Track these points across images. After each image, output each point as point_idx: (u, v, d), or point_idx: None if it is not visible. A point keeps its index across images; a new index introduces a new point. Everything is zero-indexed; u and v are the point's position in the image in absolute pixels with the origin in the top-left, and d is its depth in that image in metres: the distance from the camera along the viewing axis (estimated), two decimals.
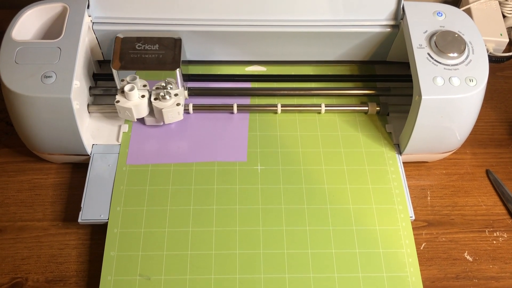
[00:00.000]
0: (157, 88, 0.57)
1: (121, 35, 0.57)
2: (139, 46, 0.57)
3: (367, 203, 0.55)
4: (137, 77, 0.57)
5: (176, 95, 0.57)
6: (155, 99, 0.57)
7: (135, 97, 0.56)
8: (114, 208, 0.54)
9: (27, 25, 0.57)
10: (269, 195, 0.55)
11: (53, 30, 0.58)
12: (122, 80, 0.57)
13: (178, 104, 0.57)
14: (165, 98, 0.56)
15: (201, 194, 0.55)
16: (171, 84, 0.57)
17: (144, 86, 0.57)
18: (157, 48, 0.57)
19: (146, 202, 0.54)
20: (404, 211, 0.55)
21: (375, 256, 0.52)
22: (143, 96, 0.57)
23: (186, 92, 0.60)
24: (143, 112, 0.58)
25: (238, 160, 0.57)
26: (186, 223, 0.53)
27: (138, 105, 0.56)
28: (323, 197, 0.55)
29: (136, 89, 0.56)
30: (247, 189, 0.55)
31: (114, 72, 0.56)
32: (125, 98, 0.56)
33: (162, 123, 0.60)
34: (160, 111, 0.57)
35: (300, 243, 0.52)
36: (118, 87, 0.57)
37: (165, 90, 0.57)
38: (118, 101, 0.56)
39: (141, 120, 0.60)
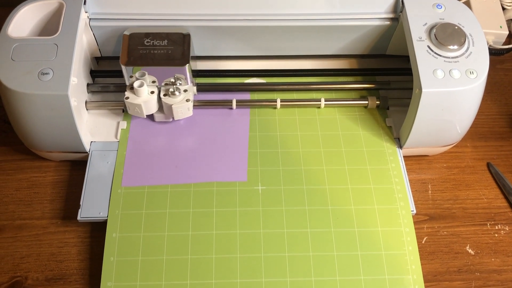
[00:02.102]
0: (166, 84, 0.57)
1: (127, 32, 0.57)
2: (147, 42, 0.56)
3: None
4: (146, 73, 0.56)
5: (185, 91, 0.57)
6: (165, 95, 0.56)
7: (144, 93, 0.56)
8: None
9: (23, 21, 0.57)
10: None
11: (49, 27, 0.57)
12: (131, 77, 0.56)
13: (187, 100, 0.57)
14: (174, 94, 0.56)
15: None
16: (180, 80, 0.56)
17: (153, 82, 0.57)
18: (166, 44, 0.56)
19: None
20: (406, 207, 0.54)
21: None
22: (152, 92, 0.56)
23: (195, 88, 0.60)
24: (153, 108, 0.57)
25: (238, 180, 0.56)
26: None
27: (147, 101, 0.56)
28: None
29: (145, 85, 0.56)
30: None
31: (123, 68, 0.55)
32: (135, 94, 0.56)
33: (171, 119, 0.59)
34: (169, 107, 0.56)
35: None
36: (127, 84, 0.57)
37: (174, 86, 0.56)
38: (127, 98, 0.56)
39: (140, 117, 0.60)
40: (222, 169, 0.56)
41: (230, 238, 0.52)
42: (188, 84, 0.57)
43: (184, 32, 0.57)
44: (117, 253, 0.51)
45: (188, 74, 0.57)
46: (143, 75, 0.56)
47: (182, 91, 0.57)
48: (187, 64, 0.56)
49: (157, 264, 0.50)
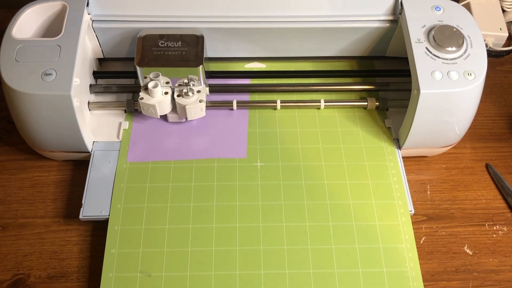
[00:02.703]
0: (179, 85, 0.58)
1: (141, 35, 0.58)
2: (161, 44, 0.57)
3: (367, 198, 0.55)
4: (160, 74, 0.57)
5: (198, 91, 0.58)
6: (178, 95, 0.57)
7: (158, 94, 0.57)
8: (115, 205, 0.54)
9: (27, 23, 0.57)
10: (269, 192, 0.55)
11: (53, 28, 0.58)
12: (145, 77, 0.57)
13: (200, 101, 0.57)
14: (188, 95, 0.57)
15: (201, 191, 0.55)
16: (194, 81, 0.57)
17: (167, 83, 0.58)
18: (180, 45, 0.57)
19: (147, 199, 0.55)
20: (404, 206, 0.55)
21: (375, 251, 0.52)
22: (166, 93, 0.57)
23: (207, 89, 0.61)
24: (166, 109, 0.58)
25: (238, 157, 0.58)
26: (187, 220, 0.53)
27: (161, 102, 0.57)
28: (322, 193, 0.55)
29: (159, 86, 0.56)
30: (247, 185, 0.56)
31: (138, 69, 0.56)
32: (149, 95, 0.57)
33: (184, 120, 0.60)
34: (183, 107, 0.57)
35: (300, 239, 0.53)
36: (142, 84, 0.58)
37: (188, 87, 0.57)
38: (142, 98, 0.57)
39: (143, 117, 0.60)
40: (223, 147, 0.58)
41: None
42: (201, 85, 0.58)
43: (197, 34, 0.58)
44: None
45: (201, 75, 0.57)
46: (157, 76, 0.57)
47: (195, 92, 0.57)
48: (201, 66, 0.56)
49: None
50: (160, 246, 0.52)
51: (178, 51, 0.57)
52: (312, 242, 0.52)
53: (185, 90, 0.57)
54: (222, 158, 0.57)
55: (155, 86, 0.56)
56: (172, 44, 0.57)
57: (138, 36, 0.58)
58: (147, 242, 0.52)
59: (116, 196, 0.55)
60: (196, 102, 0.57)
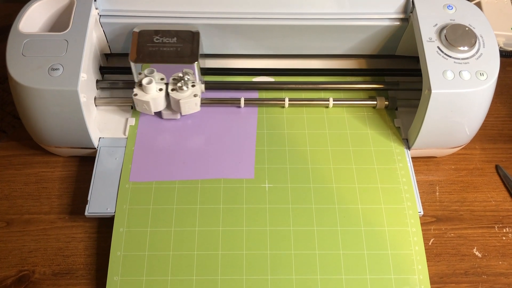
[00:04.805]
0: (174, 79, 0.57)
1: (137, 29, 0.57)
2: (157, 39, 0.56)
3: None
4: (155, 70, 0.56)
5: (193, 85, 0.57)
6: (172, 90, 0.57)
7: (152, 90, 0.56)
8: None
9: (34, 17, 0.57)
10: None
11: (60, 23, 0.58)
12: (140, 73, 0.57)
13: (195, 95, 0.57)
14: (182, 89, 0.56)
15: (207, 213, 0.54)
16: (188, 75, 0.57)
17: (162, 79, 0.57)
18: (175, 41, 0.56)
19: (150, 222, 0.53)
20: (413, 207, 0.54)
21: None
22: (160, 90, 0.57)
23: (203, 86, 0.60)
24: (161, 105, 0.58)
25: (245, 177, 0.56)
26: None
27: (155, 98, 0.56)
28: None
29: (154, 82, 0.56)
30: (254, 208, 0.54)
31: (132, 65, 0.56)
32: (143, 91, 0.56)
33: (179, 116, 0.59)
34: (177, 102, 0.57)
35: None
36: (136, 80, 0.57)
37: (182, 81, 0.56)
38: (136, 94, 0.56)
39: (150, 114, 0.60)
40: (229, 166, 0.56)
41: (236, 234, 0.52)
42: (196, 82, 0.57)
43: (193, 29, 0.57)
44: (124, 248, 0.51)
45: (197, 72, 0.57)
46: (151, 72, 0.56)
47: (190, 86, 0.57)
48: (196, 62, 0.56)
49: (163, 259, 0.51)
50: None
51: (173, 47, 0.56)
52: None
53: (179, 84, 0.56)
54: (228, 178, 0.56)
55: (149, 82, 0.56)
56: (167, 40, 0.57)
57: (133, 31, 0.57)
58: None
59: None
60: (190, 97, 0.56)
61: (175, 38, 0.57)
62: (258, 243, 0.52)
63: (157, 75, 0.57)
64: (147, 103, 0.56)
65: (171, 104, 0.58)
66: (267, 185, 0.55)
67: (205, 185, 0.55)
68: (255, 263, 0.51)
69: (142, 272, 0.50)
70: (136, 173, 0.56)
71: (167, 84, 0.57)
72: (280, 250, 0.51)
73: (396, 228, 0.53)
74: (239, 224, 0.53)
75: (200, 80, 0.58)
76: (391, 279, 0.50)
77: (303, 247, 0.51)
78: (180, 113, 0.58)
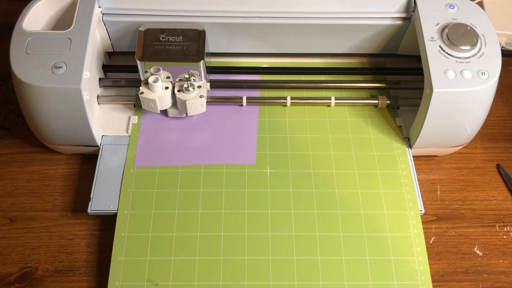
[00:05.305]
0: (180, 80, 0.57)
1: (143, 28, 0.57)
2: (163, 38, 0.57)
3: (378, 208, 0.54)
4: (161, 68, 0.57)
5: (199, 87, 0.57)
6: (179, 90, 0.57)
7: (159, 88, 0.56)
8: (122, 212, 0.53)
9: (37, 15, 0.57)
10: (278, 199, 0.54)
11: (63, 21, 0.58)
12: (146, 72, 0.57)
13: (201, 96, 0.57)
14: (188, 90, 0.57)
15: (210, 197, 0.54)
16: (194, 76, 0.57)
17: (168, 77, 0.57)
18: (181, 40, 0.57)
19: (154, 205, 0.54)
20: (414, 207, 0.54)
21: (386, 263, 0.51)
22: (166, 88, 0.57)
23: (208, 84, 0.60)
24: (167, 103, 0.58)
25: (247, 163, 0.57)
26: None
27: (161, 97, 0.57)
28: (333, 202, 0.54)
29: (160, 80, 0.56)
30: (256, 193, 0.55)
31: (138, 63, 0.56)
32: (149, 89, 0.56)
33: (185, 115, 0.60)
34: (183, 103, 0.57)
35: (309, 249, 0.52)
36: (142, 79, 0.57)
37: (188, 82, 0.57)
38: (142, 93, 0.56)
39: (153, 112, 0.60)
40: (232, 152, 0.57)
41: (238, 217, 0.53)
42: (202, 80, 0.58)
43: (199, 28, 0.58)
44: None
45: (202, 71, 0.57)
46: (157, 70, 0.57)
47: (196, 87, 0.57)
48: (202, 61, 0.56)
49: (167, 240, 0.51)
50: (168, 255, 0.51)
51: (179, 45, 0.57)
52: (322, 253, 0.51)
53: (185, 85, 0.57)
54: (231, 164, 0.56)
55: (156, 80, 0.56)
56: (173, 38, 0.57)
57: (139, 30, 0.57)
58: (154, 250, 0.51)
59: (123, 201, 0.54)
60: (196, 98, 0.57)
61: (181, 37, 0.57)
62: (259, 225, 0.52)
63: (163, 74, 0.57)
64: (153, 101, 0.56)
65: (178, 105, 0.58)
66: (268, 171, 0.56)
67: (208, 170, 0.56)
68: (257, 244, 0.51)
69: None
70: (140, 159, 0.56)
71: (173, 82, 0.57)
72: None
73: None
74: (241, 207, 0.54)
75: (206, 78, 0.59)
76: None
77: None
78: (186, 113, 0.59)
